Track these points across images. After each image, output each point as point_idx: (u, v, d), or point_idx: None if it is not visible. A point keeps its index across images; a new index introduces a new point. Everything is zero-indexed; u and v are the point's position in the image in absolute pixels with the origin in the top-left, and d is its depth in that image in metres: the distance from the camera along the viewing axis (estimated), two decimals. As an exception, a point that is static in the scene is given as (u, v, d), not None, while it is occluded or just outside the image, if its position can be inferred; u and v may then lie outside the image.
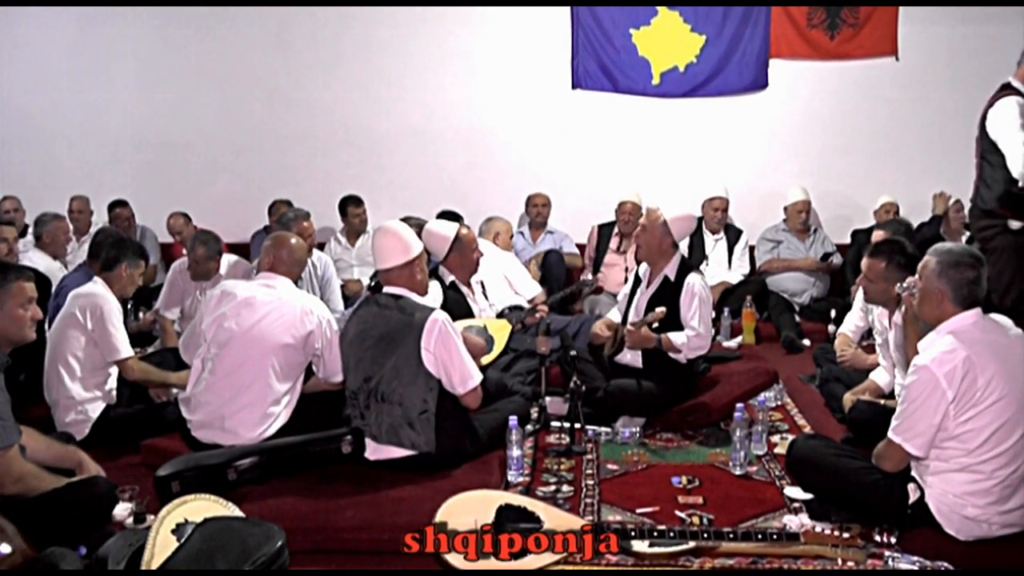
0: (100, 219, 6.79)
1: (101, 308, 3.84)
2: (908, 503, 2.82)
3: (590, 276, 6.25)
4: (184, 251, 5.30)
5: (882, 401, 3.67)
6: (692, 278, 4.10)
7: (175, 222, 6.59)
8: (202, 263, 4.89)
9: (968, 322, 2.78)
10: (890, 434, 2.83)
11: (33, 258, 5.49)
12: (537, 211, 6.59)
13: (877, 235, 4.49)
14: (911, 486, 2.84)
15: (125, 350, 3.87)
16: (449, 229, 4.51)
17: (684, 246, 6.27)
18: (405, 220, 4.60)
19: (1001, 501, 2.73)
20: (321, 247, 5.92)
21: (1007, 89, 4.21)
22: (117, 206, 6.66)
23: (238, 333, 3.54)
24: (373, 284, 3.65)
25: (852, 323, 4.31)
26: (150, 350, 4.90)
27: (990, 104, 4.21)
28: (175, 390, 4.15)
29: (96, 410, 3.84)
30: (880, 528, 2.84)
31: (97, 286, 3.96)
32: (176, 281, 5.04)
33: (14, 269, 3.06)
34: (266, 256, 3.78)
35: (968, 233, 5.88)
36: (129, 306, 5.73)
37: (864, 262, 3.70)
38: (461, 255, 4.49)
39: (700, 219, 6.40)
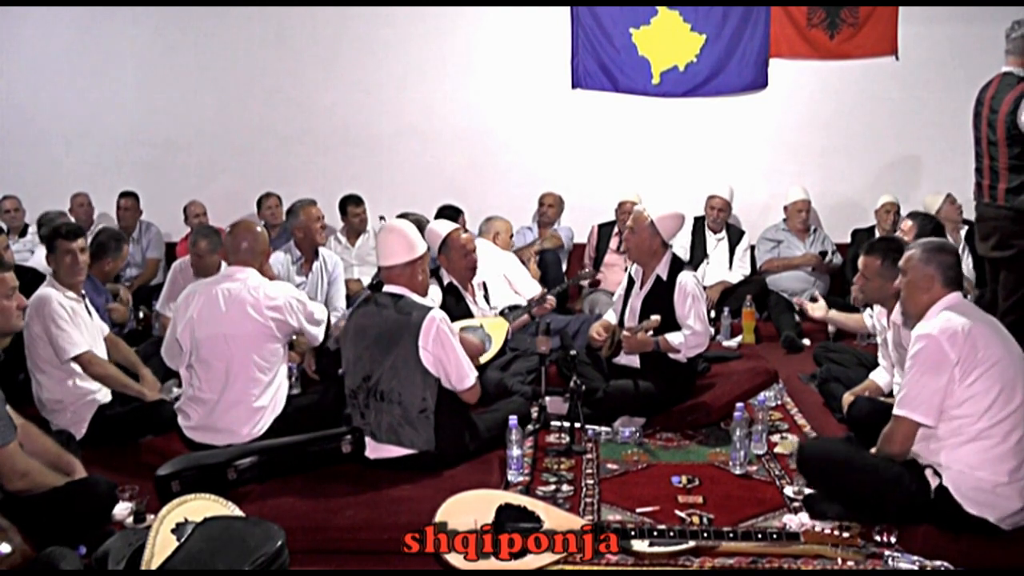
0: (100, 217, 6.80)
1: (43, 310, 3.74)
2: (931, 490, 2.82)
3: (588, 269, 6.25)
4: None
5: (884, 400, 3.67)
6: (683, 276, 4.10)
7: (195, 208, 6.61)
8: (205, 256, 4.85)
9: (957, 299, 2.96)
10: (895, 410, 2.88)
11: (40, 257, 5.50)
12: (543, 210, 6.60)
13: (905, 225, 4.53)
14: (928, 473, 2.85)
15: (74, 347, 3.74)
16: (443, 229, 4.53)
17: (686, 245, 6.31)
18: (403, 216, 4.62)
19: (1019, 467, 2.78)
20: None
21: (1010, 77, 4.18)
22: (124, 196, 6.67)
23: (209, 332, 3.55)
24: (374, 283, 3.66)
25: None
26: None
27: (1021, 97, 4.11)
28: (175, 390, 4.15)
29: (87, 410, 3.83)
30: (880, 528, 2.84)
31: (42, 289, 3.86)
32: (177, 279, 5.05)
33: None
34: (228, 249, 3.77)
35: (966, 228, 5.90)
36: (129, 305, 5.75)
37: (861, 260, 3.72)
38: (448, 258, 4.50)
39: (703, 219, 6.41)
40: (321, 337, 3.82)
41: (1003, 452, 2.77)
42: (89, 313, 4.00)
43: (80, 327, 3.84)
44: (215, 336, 3.54)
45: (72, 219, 6.61)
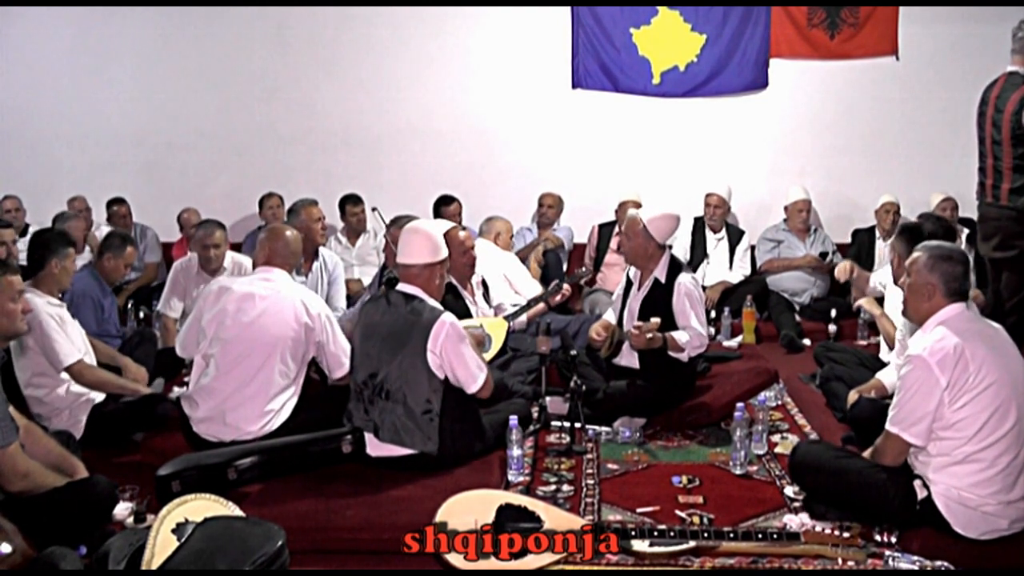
0: (99, 219, 6.80)
1: (32, 321, 3.62)
2: (916, 501, 2.82)
3: (586, 268, 6.26)
4: (188, 249, 5.30)
5: (886, 400, 3.66)
6: (681, 278, 4.09)
7: (190, 216, 6.61)
8: (222, 246, 4.91)
9: (956, 312, 2.85)
10: (888, 426, 2.85)
11: None
12: (543, 211, 6.60)
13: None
14: (917, 483, 2.84)
15: (67, 358, 3.72)
16: (441, 227, 4.52)
17: (687, 245, 6.31)
18: (399, 219, 4.60)
19: (1005, 490, 2.75)
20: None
21: (1016, 76, 4.18)
22: (115, 203, 6.68)
23: (239, 328, 3.55)
24: (386, 279, 3.66)
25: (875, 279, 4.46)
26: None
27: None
28: (176, 390, 4.14)
29: (83, 410, 3.81)
30: (880, 528, 2.84)
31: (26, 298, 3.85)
32: (178, 279, 5.05)
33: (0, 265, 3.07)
34: (261, 249, 3.79)
35: (967, 231, 5.90)
36: (129, 305, 5.76)
37: (891, 243, 3.74)
38: None
39: (703, 218, 6.41)
40: (342, 373, 3.70)
41: (991, 476, 2.73)
42: (73, 315, 4.00)
43: (69, 333, 3.83)
44: (244, 335, 3.53)
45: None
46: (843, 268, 4.58)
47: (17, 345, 3.76)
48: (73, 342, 3.81)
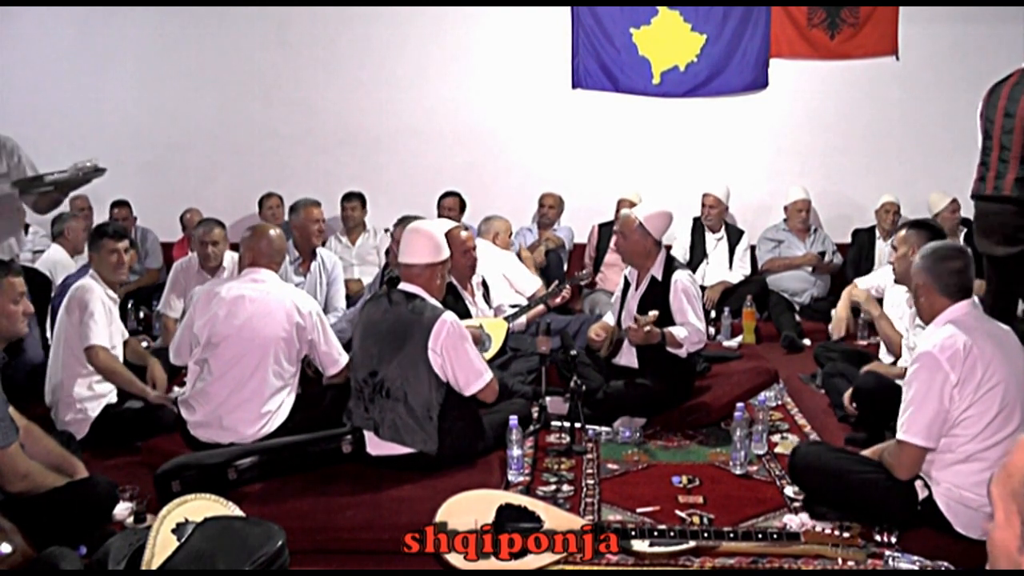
0: (101, 220, 6.80)
1: (84, 298, 3.84)
2: (918, 501, 2.81)
3: (587, 270, 6.26)
4: (189, 249, 5.30)
5: (893, 377, 3.64)
6: (678, 275, 4.09)
7: (192, 216, 6.62)
8: (221, 243, 4.95)
9: (963, 311, 2.86)
10: (899, 435, 2.81)
11: (53, 253, 5.63)
12: (544, 211, 6.60)
13: (899, 235, 4.52)
14: (918, 484, 2.83)
15: (96, 338, 3.80)
16: (442, 227, 4.53)
17: (686, 245, 6.31)
18: (404, 219, 4.61)
19: None
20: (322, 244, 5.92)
21: None
22: (117, 206, 6.68)
23: (231, 332, 3.55)
24: (388, 279, 3.66)
25: (871, 282, 4.37)
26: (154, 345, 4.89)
27: None
28: (176, 390, 4.14)
29: (95, 409, 3.84)
30: (880, 528, 2.84)
31: (86, 279, 3.97)
32: (178, 279, 5.06)
33: (2, 266, 3.07)
34: (246, 250, 3.79)
35: (966, 230, 5.90)
36: (129, 305, 5.77)
37: (897, 236, 3.76)
38: None
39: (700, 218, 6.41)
40: (336, 371, 3.73)
41: None
42: (122, 318, 4.08)
43: (111, 326, 3.90)
44: (237, 338, 3.53)
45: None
46: (838, 324, 4.42)
47: (60, 321, 3.86)
48: (111, 336, 3.89)
